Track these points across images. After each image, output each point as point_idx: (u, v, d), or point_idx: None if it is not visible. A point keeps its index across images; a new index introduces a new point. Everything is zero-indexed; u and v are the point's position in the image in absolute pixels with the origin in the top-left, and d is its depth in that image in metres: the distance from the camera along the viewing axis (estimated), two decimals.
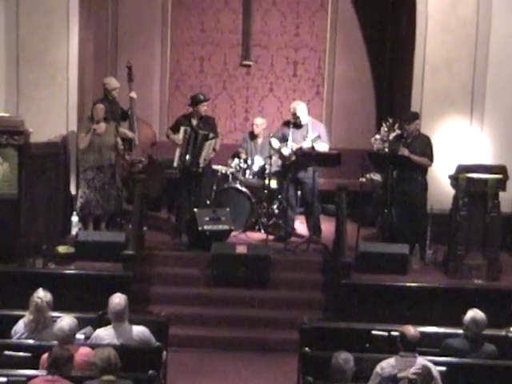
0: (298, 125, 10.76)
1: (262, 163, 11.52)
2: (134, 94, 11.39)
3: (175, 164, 10.69)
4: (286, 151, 10.70)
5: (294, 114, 10.76)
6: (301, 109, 10.77)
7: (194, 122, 10.76)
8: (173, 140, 10.81)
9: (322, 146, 10.65)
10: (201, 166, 10.65)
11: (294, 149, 10.61)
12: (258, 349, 9.17)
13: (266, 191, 11.29)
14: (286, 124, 10.96)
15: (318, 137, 10.60)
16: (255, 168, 11.56)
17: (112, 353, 6.00)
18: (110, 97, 11.16)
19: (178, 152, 10.61)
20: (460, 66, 10.93)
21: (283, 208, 11.06)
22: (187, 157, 10.53)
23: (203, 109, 10.81)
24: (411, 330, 6.59)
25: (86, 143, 10.41)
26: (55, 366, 5.96)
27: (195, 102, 10.82)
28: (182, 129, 10.59)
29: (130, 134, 11.25)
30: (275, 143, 10.91)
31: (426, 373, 6.15)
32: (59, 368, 5.97)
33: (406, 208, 10.19)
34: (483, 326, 7.06)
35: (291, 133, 10.69)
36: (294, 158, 10.68)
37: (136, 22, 13.26)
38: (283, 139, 10.82)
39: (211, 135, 10.64)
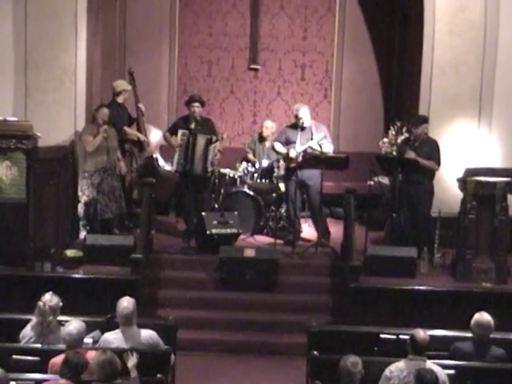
0: (301, 127, 10.74)
1: (269, 166, 11.51)
2: (141, 106, 11.42)
3: (174, 168, 10.71)
4: (293, 153, 10.67)
5: (296, 116, 10.75)
6: (304, 111, 10.75)
7: (192, 124, 10.73)
8: (170, 143, 10.82)
9: (328, 147, 10.66)
10: (209, 170, 10.68)
11: (302, 150, 10.57)
12: (266, 352, 9.16)
13: (274, 195, 11.28)
14: (290, 127, 10.94)
15: (324, 137, 10.62)
16: (263, 172, 11.53)
17: (107, 360, 5.99)
18: (118, 100, 11.18)
19: (176, 155, 10.61)
20: (468, 69, 10.91)
21: (289, 211, 11.04)
22: (187, 161, 10.53)
23: (193, 109, 10.74)
24: (421, 334, 6.57)
25: (95, 146, 10.42)
26: (69, 372, 5.96)
27: (187, 101, 10.85)
28: (180, 132, 10.58)
29: (141, 136, 11.29)
30: (279, 147, 10.87)
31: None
32: (73, 374, 5.97)
33: (412, 211, 10.18)
34: (489, 328, 7.03)
35: (298, 135, 10.67)
36: (300, 159, 10.65)
37: (144, 26, 13.29)
38: (287, 142, 10.79)
39: (214, 138, 10.63)
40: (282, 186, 11.41)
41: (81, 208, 10.59)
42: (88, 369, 6.14)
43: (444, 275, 9.88)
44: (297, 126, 10.78)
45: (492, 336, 7.11)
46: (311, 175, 10.64)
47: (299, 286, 9.90)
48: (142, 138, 11.34)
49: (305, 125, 10.73)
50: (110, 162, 10.54)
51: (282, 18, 13.47)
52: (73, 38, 10.87)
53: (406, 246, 9.91)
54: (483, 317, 7.06)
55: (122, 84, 11.34)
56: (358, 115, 13.41)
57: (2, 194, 9.44)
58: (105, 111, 10.51)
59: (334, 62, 13.50)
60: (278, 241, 10.67)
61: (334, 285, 9.84)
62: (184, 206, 10.96)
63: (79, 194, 10.60)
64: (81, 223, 10.67)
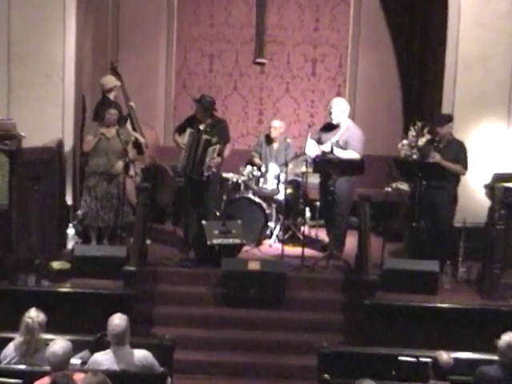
0: (332, 126, 10.71)
1: (277, 171, 11.47)
2: (133, 104, 11.47)
3: (179, 169, 10.75)
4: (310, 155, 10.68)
5: (329, 110, 10.73)
6: (337, 105, 10.67)
7: (202, 125, 10.73)
8: (177, 143, 10.84)
9: (348, 154, 10.55)
10: (204, 174, 10.61)
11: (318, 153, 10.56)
12: (272, 375, 9.13)
13: (283, 202, 11.23)
14: (324, 125, 10.94)
15: (338, 142, 10.53)
16: (270, 176, 11.50)
17: (98, 383, 5.96)
18: (110, 97, 11.20)
19: (182, 156, 10.62)
20: (496, 63, 10.90)
21: (328, 225, 11.01)
22: (188, 163, 10.54)
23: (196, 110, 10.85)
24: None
25: (91, 147, 10.50)
26: None
27: (196, 99, 10.91)
28: (188, 131, 10.61)
29: (140, 137, 11.33)
30: (310, 148, 10.75)
31: None
32: None
33: (434, 221, 10.15)
34: None
35: (323, 135, 10.68)
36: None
37: (139, 15, 13.32)
38: (318, 143, 10.73)
39: (214, 140, 10.59)
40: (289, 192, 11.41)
41: (76, 214, 10.63)
42: None
43: (469, 292, 9.88)
44: (330, 124, 10.78)
45: None
46: (338, 181, 10.53)
47: (309, 303, 9.88)
48: (141, 139, 11.35)
49: (333, 121, 10.68)
50: (109, 166, 10.53)
51: (291, 8, 13.48)
52: (61, 28, 10.88)
53: (427, 259, 9.90)
54: None
55: (112, 79, 11.42)
56: (375, 114, 13.41)
57: None
58: (114, 111, 10.61)
59: (349, 56, 13.52)
60: (287, 252, 10.65)
61: (347, 301, 9.82)
62: (185, 213, 10.93)
63: (68, 199, 10.63)
64: (69, 232, 10.64)
